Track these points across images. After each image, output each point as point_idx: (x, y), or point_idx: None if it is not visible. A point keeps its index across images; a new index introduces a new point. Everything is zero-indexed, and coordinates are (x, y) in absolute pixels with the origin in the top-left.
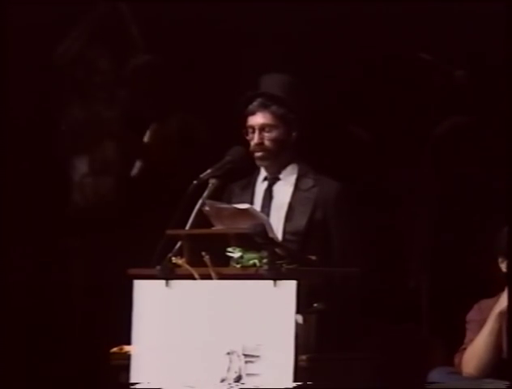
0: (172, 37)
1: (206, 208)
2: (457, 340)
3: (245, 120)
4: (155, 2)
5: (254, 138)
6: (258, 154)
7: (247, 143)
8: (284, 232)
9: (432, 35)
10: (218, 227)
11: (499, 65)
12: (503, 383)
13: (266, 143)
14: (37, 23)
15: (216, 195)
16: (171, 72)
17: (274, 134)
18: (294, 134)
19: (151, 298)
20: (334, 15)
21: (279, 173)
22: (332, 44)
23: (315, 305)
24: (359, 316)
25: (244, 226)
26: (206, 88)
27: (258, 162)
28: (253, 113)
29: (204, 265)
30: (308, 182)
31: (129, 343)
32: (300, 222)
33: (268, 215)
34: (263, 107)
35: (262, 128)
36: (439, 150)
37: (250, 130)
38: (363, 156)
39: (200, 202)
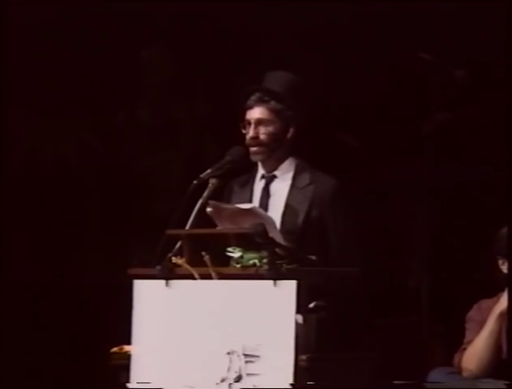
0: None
1: (209, 209)
2: (457, 340)
3: (243, 114)
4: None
5: (250, 132)
6: (252, 149)
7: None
8: (281, 232)
9: (432, 35)
10: (221, 227)
11: (499, 65)
12: (503, 383)
13: (262, 136)
14: (37, 23)
15: (216, 195)
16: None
17: (270, 128)
18: (291, 130)
19: (151, 298)
20: (334, 15)
21: (276, 169)
22: (332, 43)
23: (312, 304)
24: (359, 316)
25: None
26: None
27: (252, 157)
28: (251, 108)
29: (204, 265)
30: (304, 180)
31: (129, 343)
32: (296, 221)
33: None
34: (261, 101)
35: (259, 122)
36: (438, 149)
37: (247, 124)
38: (363, 155)
39: (200, 201)
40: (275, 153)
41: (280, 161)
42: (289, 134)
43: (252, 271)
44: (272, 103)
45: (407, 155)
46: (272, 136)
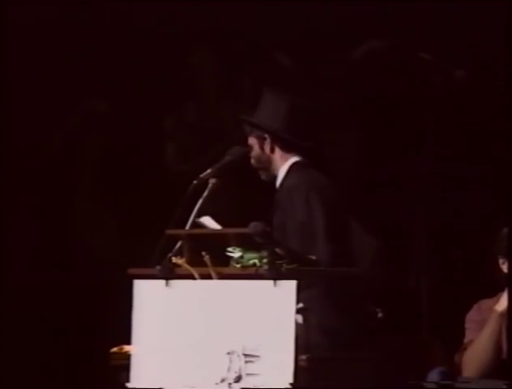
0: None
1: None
2: (457, 340)
3: None
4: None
5: None
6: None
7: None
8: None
9: (432, 34)
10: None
11: (499, 64)
12: (503, 383)
13: (252, 161)
14: (37, 22)
15: (216, 195)
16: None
17: (253, 153)
18: (267, 143)
19: (151, 298)
20: (334, 14)
21: (276, 178)
22: (331, 42)
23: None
24: (358, 316)
25: None
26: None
27: None
28: None
29: (204, 265)
30: (283, 183)
31: (129, 343)
32: (271, 226)
33: None
34: (248, 130)
35: (251, 149)
36: (438, 148)
37: None
38: (363, 154)
39: (200, 201)
40: (269, 168)
41: (277, 170)
42: (267, 148)
43: (252, 271)
44: (247, 128)
45: (407, 154)
46: (256, 158)
